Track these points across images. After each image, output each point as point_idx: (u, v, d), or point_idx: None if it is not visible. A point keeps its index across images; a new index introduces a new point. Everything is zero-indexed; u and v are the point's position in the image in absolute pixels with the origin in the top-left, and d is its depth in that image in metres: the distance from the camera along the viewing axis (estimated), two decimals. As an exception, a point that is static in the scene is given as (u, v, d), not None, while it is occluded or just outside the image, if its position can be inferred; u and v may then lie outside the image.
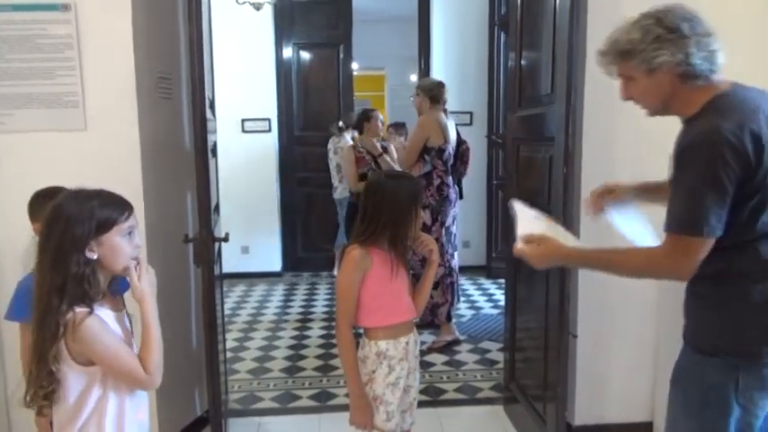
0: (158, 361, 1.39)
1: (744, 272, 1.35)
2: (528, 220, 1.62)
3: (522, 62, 2.73)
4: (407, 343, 1.84)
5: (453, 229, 3.88)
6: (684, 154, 1.32)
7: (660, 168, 2.43)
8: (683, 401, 1.45)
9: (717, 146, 1.25)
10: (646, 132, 2.41)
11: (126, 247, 1.37)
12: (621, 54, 1.37)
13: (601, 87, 2.37)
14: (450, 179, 3.79)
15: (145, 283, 1.40)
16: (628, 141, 2.45)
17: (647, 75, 1.35)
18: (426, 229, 3.69)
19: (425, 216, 3.72)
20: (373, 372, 1.80)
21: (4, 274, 2.37)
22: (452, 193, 3.81)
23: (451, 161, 3.83)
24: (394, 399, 1.80)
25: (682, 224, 1.31)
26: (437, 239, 3.58)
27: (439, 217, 3.73)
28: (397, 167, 4.27)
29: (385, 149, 4.31)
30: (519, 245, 1.52)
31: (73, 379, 1.34)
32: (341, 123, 5.05)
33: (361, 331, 1.86)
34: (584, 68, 2.31)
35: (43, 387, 1.32)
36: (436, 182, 3.74)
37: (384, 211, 1.76)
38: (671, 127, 2.50)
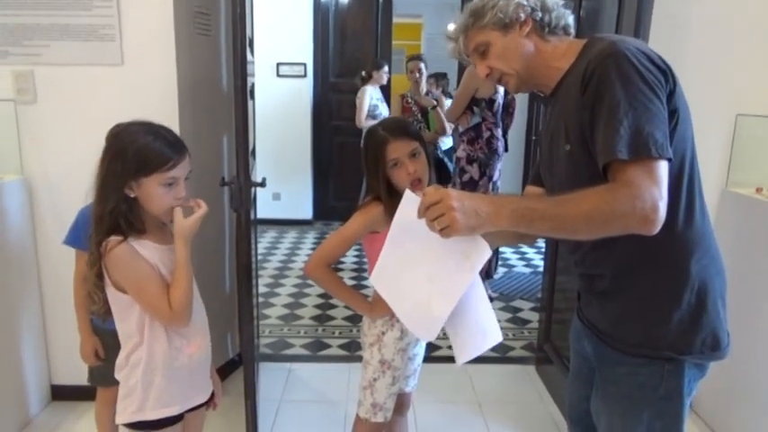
0: (183, 300, 1.37)
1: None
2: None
3: (582, 12, 2.55)
4: None
5: (499, 183, 3.78)
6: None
7: (726, 124, 2.31)
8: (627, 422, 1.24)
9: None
10: (714, 86, 2.28)
11: (163, 196, 1.36)
12: (473, 15, 1.26)
13: (669, 39, 2.22)
14: (499, 131, 3.67)
15: (179, 226, 1.38)
16: (697, 96, 2.30)
17: (503, 33, 1.23)
18: (474, 183, 3.61)
19: (473, 170, 3.62)
20: (383, 333, 1.71)
21: (41, 204, 2.37)
22: (501, 146, 3.69)
23: (500, 112, 3.68)
24: (402, 365, 1.74)
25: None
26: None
27: (487, 171, 3.63)
28: (446, 123, 4.13)
29: (437, 102, 4.15)
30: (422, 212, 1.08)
31: (115, 304, 1.40)
32: (363, 73, 4.88)
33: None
34: (651, 17, 2.14)
35: (94, 302, 1.40)
36: (486, 134, 3.62)
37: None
38: (737, 85, 2.35)
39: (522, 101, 5.03)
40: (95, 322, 1.86)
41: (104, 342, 1.88)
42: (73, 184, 2.25)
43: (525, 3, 1.22)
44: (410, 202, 1.17)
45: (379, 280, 1.34)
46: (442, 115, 4.05)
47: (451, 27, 1.34)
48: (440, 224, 1.04)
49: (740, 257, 2.12)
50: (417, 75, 4.20)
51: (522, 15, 1.22)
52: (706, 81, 2.27)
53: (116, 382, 1.58)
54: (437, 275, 1.22)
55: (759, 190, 2.23)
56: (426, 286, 1.23)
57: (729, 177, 2.34)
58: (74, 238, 1.83)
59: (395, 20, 5.86)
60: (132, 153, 1.32)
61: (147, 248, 1.37)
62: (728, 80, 2.34)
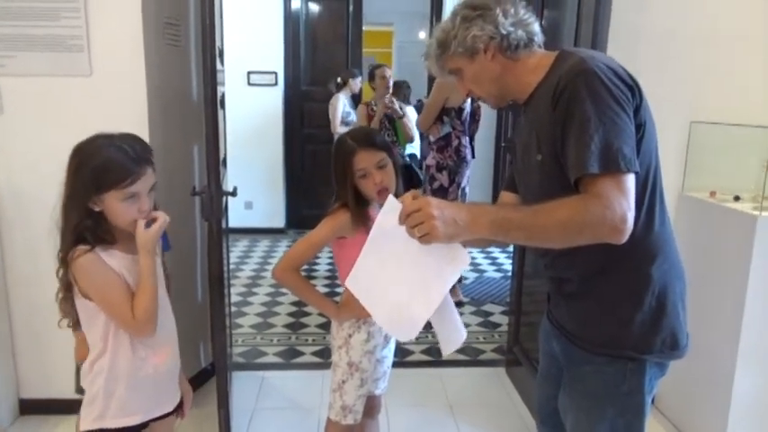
0: (148, 309, 1.38)
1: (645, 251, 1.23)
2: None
3: (543, 22, 2.63)
4: None
5: (467, 189, 3.87)
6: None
7: (681, 130, 2.41)
8: (593, 416, 1.30)
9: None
10: (670, 94, 2.37)
11: (126, 211, 1.35)
12: (440, 46, 1.32)
13: (626, 49, 2.31)
14: (466, 139, 3.76)
15: (141, 238, 1.37)
16: (653, 105, 2.39)
17: (469, 60, 1.29)
18: (444, 190, 3.69)
19: (443, 178, 3.69)
20: (350, 336, 1.75)
21: (7, 216, 2.35)
22: (468, 153, 3.78)
23: (468, 121, 3.77)
24: (369, 366, 1.78)
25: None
26: (453, 201, 3.54)
27: (456, 178, 3.71)
28: (416, 132, 4.19)
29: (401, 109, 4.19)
30: (402, 220, 1.11)
31: (82, 312, 1.41)
32: (339, 79, 4.93)
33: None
34: (609, 28, 2.23)
35: (63, 311, 1.43)
36: (455, 143, 3.70)
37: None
38: (691, 93, 2.45)
39: (491, 110, 5.13)
40: None
41: None
42: (41, 195, 2.22)
43: (481, 32, 1.25)
44: (391, 208, 1.20)
45: (355, 283, 1.36)
46: (410, 125, 4.12)
47: (427, 48, 1.38)
48: (420, 231, 1.08)
49: (696, 258, 2.21)
50: (388, 80, 4.25)
51: (481, 45, 1.26)
52: (662, 89, 2.35)
53: None
54: (418, 280, 1.25)
55: (713, 194, 2.33)
56: (406, 290, 1.27)
57: (685, 182, 2.44)
58: None
59: (366, 28, 5.92)
60: (91, 169, 1.32)
61: (114, 258, 1.38)
62: (683, 88, 2.45)
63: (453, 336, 1.47)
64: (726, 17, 2.42)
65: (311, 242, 1.72)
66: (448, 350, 1.45)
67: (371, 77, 4.34)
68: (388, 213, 1.21)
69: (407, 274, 1.26)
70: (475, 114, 3.90)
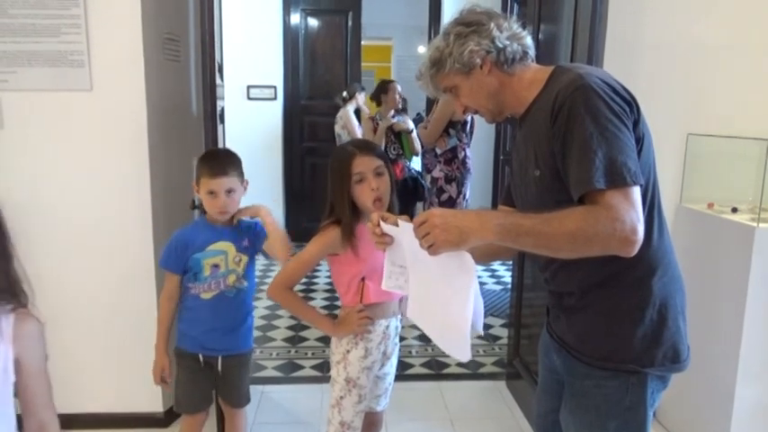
0: None
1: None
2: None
3: (540, 36, 2.65)
4: (387, 327, 1.77)
5: (470, 200, 3.94)
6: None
7: (678, 143, 2.43)
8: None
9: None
10: (667, 107, 2.39)
11: None
12: (434, 65, 1.31)
13: (622, 63, 2.33)
14: (469, 151, 3.84)
15: None
16: (649, 117, 2.41)
17: (465, 76, 1.29)
18: (452, 202, 3.75)
19: (452, 189, 3.74)
20: (348, 352, 1.74)
21: (10, 233, 2.34)
22: (471, 165, 3.86)
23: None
24: (367, 382, 1.76)
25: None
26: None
27: (462, 189, 3.78)
28: (418, 146, 4.22)
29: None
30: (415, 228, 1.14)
31: None
32: (345, 93, 4.98)
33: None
34: (605, 42, 2.25)
35: None
36: (461, 155, 3.78)
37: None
38: (687, 106, 2.47)
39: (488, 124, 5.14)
40: (180, 346, 1.96)
41: (186, 365, 1.95)
42: (40, 209, 2.25)
43: (478, 47, 1.25)
44: (407, 229, 1.20)
45: (414, 314, 1.34)
46: (417, 139, 4.16)
47: (420, 67, 1.38)
48: (426, 242, 1.09)
49: (695, 270, 2.21)
50: (399, 96, 4.30)
51: (478, 60, 1.26)
52: (659, 101, 2.37)
53: (202, 409, 1.75)
54: (444, 296, 1.24)
55: (710, 205, 2.34)
56: (442, 309, 1.26)
57: (683, 193, 2.45)
58: (164, 261, 1.94)
59: (365, 42, 5.96)
60: None
61: None
62: (680, 101, 2.46)
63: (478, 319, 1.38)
64: (721, 29, 2.44)
65: (302, 260, 1.73)
66: (478, 329, 1.36)
67: (383, 91, 4.38)
68: (408, 235, 1.20)
69: (440, 293, 1.25)
70: (471, 128, 3.95)
